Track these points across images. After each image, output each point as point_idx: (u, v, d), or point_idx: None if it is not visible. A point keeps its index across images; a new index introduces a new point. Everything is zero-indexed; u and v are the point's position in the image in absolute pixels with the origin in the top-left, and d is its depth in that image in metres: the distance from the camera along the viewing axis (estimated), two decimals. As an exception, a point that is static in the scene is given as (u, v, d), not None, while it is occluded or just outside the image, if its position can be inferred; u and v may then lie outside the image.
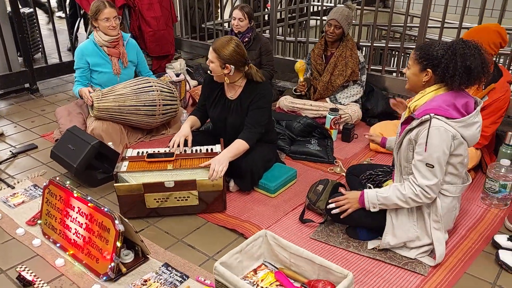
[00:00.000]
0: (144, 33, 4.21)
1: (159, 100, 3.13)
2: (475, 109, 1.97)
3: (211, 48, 2.53)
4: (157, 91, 3.13)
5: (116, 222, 1.94)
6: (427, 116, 1.90)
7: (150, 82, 3.15)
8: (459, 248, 2.21)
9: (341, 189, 2.56)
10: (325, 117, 3.50)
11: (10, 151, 3.18)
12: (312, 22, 6.04)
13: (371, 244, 2.21)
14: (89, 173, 2.74)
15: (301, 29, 6.23)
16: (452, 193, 2.07)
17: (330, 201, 2.20)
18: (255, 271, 1.79)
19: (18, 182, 2.80)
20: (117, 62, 3.24)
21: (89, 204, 2.06)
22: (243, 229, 2.32)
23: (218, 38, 2.60)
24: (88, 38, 5.18)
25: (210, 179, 2.32)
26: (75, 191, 2.13)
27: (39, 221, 2.34)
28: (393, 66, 5.35)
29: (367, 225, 2.23)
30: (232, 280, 1.57)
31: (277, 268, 1.83)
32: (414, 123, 1.97)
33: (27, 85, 4.34)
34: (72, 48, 4.73)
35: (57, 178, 2.26)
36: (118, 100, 3.03)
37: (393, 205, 2.05)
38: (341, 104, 3.55)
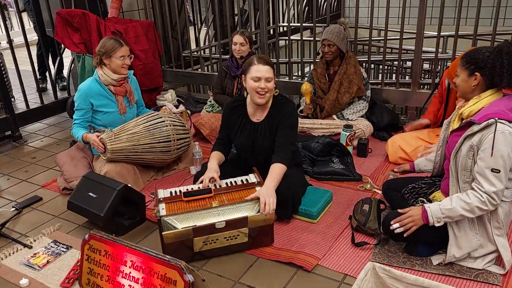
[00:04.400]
0: (134, 67, 4.03)
1: (173, 135, 2.98)
2: None
3: (268, 67, 2.43)
4: (170, 125, 2.98)
5: (184, 272, 1.78)
6: (492, 120, 1.89)
7: (162, 117, 3.00)
8: (519, 252, 2.21)
9: (382, 206, 2.55)
10: (336, 134, 3.49)
11: (13, 207, 2.90)
12: (281, 43, 6.12)
13: (436, 260, 2.15)
14: (116, 221, 2.54)
15: (270, 50, 6.28)
16: (509, 198, 2.06)
17: (393, 222, 2.12)
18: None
19: (34, 241, 2.55)
20: (123, 101, 3.07)
21: (146, 256, 1.88)
22: (300, 261, 2.21)
23: (258, 59, 2.47)
24: (55, 79, 4.98)
25: (264, 213, 2.19)
26: (126, 244, 1.95)
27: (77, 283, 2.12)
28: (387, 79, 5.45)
29: (427, 240, 2.18)
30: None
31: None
32: (475, 128, 1.95)
33: (8, 133, 4.02)
34: (53, 89, 4.47)
35: (99, 232, 2.06)
36: (131, 139, 2.85)
37: (458, 217, 2.01)
38: (348, 120, 3.55)
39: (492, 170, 1.90)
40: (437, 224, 2.04)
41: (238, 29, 4.02)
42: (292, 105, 2.59)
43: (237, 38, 3.59)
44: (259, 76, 2.43)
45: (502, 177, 1.91)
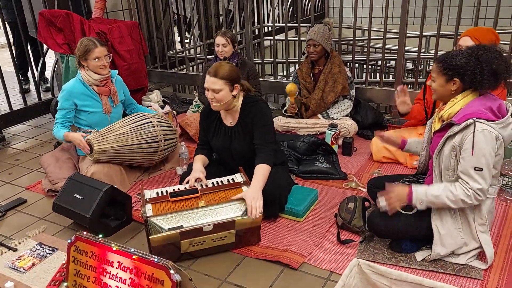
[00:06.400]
0: (119, 68, 4.02)
1: (160, 135, 2.98)
2: (507, 110, 2.04)
3: (214, 79, 2.41)
4: (157, 126, 2.98)
5: (172, 272, 1.78)
6: (471, 121, 1.93)
7: (148, 118, 2.99)
8: (499, 247, 2.26)
9: (367, 204, 2.58)
10: (321, 133, 3.52)
11: (-3, 209, 2.88)
12: (266, 43, 6.15)
13: (420, 256, 2.19)
14: (102, 222, 2.53)
15: (255, 50, 6.31)
16: (492, 195, 2.11)
17: (379, 194, 2.14)
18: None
19: (19, 243, 2.53)
20: (107, 101, 3.06)
21: (133, 257, 1.88)
22: (287, 259, 2.23)
23: (210, 68, 2.46)
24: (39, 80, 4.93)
25: (251, 217, 2.21)
26: (113, 245, 1.95)
27: (64, 283, 2.10)
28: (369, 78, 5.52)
29: (411, 236, 2.22)
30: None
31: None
32: (456, 129, 1.99)
33: (-9, 135, 3.99)
34: (37, 90, 4.42)
35: (84, 233, 2.05)
36: (118, 140, 2.84)
37: (441, 204, 2.04)
38: (334, 119, 3.58)
39: (475, 168, 1.95)
40: (418, 207, 2.08)
41: (223, 29, 4.03)
42: (262, 105, 2.58)
43: (219, 40, 3.60)
44: (206, 86, 2.45)
45: (485, 175, 1.96)
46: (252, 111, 2.54)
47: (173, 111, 3.71)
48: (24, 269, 2.31)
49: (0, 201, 3.01)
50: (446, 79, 2.03)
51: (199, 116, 3.65)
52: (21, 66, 5.07)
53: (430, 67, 5.05)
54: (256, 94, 3.72)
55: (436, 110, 2.20)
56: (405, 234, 2.19)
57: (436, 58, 2.11)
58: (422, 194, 2.05)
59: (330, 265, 2.21)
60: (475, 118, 1.93)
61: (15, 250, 2.47)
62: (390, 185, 2.16)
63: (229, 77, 2.43)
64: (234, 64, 3.63)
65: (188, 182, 2.46)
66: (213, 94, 2.44)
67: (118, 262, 1.93)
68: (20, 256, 2.41)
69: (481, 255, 2.15)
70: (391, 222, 2.18)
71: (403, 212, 2.18)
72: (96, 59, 2.90)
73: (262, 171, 2.41)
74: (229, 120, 2.62)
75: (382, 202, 2.13)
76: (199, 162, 2.59)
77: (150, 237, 2.12)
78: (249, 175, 2.44)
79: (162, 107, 3.80)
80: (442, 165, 2.08)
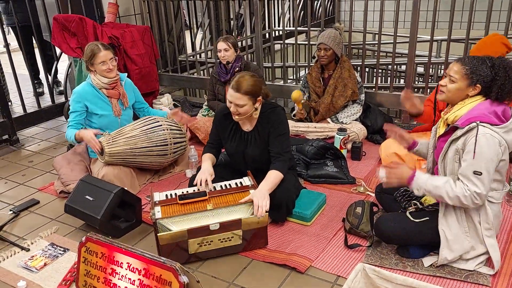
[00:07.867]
0: (130, 71, 4.09)
1: (170, 138, 3.01)
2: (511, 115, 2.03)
3: (237, 94, 2.40)
4: (167, 129, 3.02)
5: (179, 274, 1.81)
6: (474, 124, 1.93)
7: (159, 121, 3.03)
8: (508, 253, 2.25)
9: (374, 209, 2.59)
10: (330, 137, 3.53)
11: (11, 210, 2.93)
12: (277, 47, 6.18)
13: (427, 262, 2.19)
14: (113, 223, 2.57)
15: (265, 54, 6.34)
16: (497, 200, 2.10)
17: (381, 167, 2.16)
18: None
19: (32, 243, 2.58)
20: (117, 103, 3.10)
21: (142, 258, 1.91)
22: (294, 263, 2.24)
23: (233, 82, 2.44)
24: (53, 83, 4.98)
25: (257, 216, 2.23)
26: (122, 246, 1.98)
27: (75, 283, 2.15)
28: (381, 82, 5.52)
29: (418, 242, 2.22)
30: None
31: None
32: (459, 132, 1.99)
33: (5, 137, 4.05)
34: (50, 93, 4.50)
35: (96, 235, 2.09)
36: (129, 143, 2.88)
37: (437, 196, 2.05)
38: (343, 124, 3.59)
39: (474, 172, 1.95)
40: (415, 192, 2.10)
41: (233, 33, 4.08)
42: (280, 112, 2.58)
43: (220, 45, 3.65)
44: (229, 100, 2.46)
45: (484, 180, 1.95)
46: (270, 118, 2.56)
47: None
48: (36, 269, 2.35)
49: (14, 202, 3.07)
50: (468, 84, 2.02)
51: (208, 120, 3.71)
52: (33, 67, 5.15)
53: (441, 71, 5.04)
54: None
55: (442, 113, 2.19)
56: (412, 240, 2.19)
57: (462, 60, 2.06)
58: (422, 181, 2.06)
59: (337, 269, 2.22)
60: (478, 122, 1.93)
61: (28, 250, 2.52)
62: (397, 162, 2.18)
63: (252, 91, 2.43)
64: (238, 68, 3.69)
65: (197, 182, 2.47)
66: (236, 107, 2.45)
67: (127, 263, 1.97)
68: (33, 256, 2.46)
69: (490, 262, 2.14)
70: (398, 228, 2.19)
71: (411, 218, 2.20)
72: (102, 63, 2.95)
73: (273, 176, 2.43)
74: (246, 126, 2.63)
75: (382, 173, 2.15)
76: (209, 162, 2.59)
77: (158, 234, 2.16)
78: (259, 181, 2.45)
79: (173, 111, 3.82)
80: (447, 169, 2.08)
